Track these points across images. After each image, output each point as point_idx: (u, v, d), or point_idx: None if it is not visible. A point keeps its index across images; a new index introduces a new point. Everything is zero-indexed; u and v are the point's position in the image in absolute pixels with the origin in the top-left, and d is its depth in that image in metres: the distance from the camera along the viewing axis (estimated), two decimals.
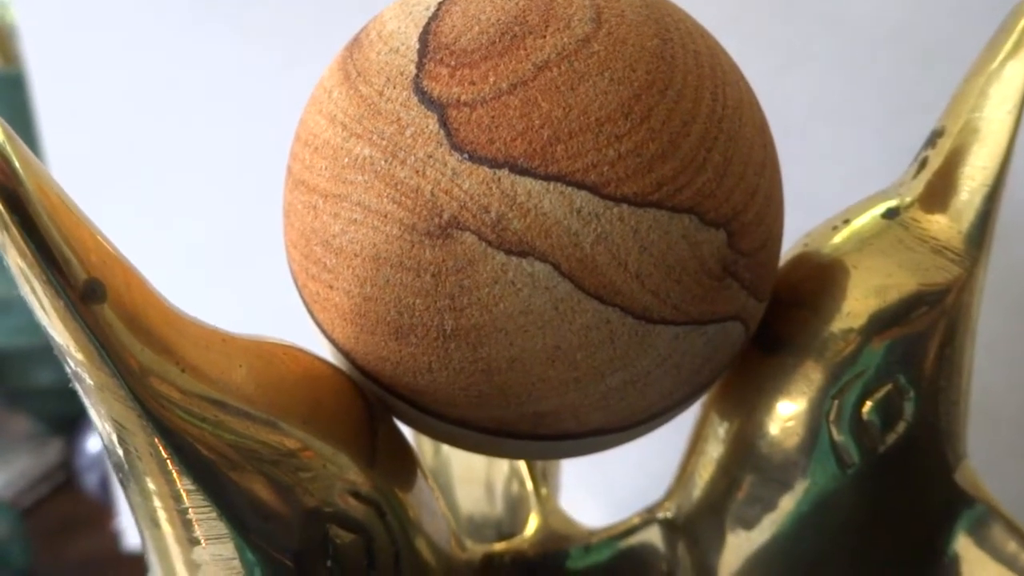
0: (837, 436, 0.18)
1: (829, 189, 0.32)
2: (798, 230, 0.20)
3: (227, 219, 0.40)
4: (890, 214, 0.19)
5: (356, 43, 0.17)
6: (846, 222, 0.19)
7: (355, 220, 0.16)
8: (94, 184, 0.41)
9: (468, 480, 0.26)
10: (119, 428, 0.14)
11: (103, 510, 0.49)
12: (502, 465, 0.25)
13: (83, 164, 0.41)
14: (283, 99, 0.23)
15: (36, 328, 0.14)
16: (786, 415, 0.19)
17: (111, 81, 0.40)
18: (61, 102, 0.41)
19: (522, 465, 0.24)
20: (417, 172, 0.15)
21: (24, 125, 0.41)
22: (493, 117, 0.15)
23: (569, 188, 0.15)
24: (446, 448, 0.26)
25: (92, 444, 0.49)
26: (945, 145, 0.18)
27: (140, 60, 0.39)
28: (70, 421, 0.52)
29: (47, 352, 0.14)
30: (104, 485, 0.49)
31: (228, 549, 0.15)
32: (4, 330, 0.49)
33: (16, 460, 0.54)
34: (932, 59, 0.32)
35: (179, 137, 0.40)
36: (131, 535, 0.46)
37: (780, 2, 0.33)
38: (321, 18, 0.37)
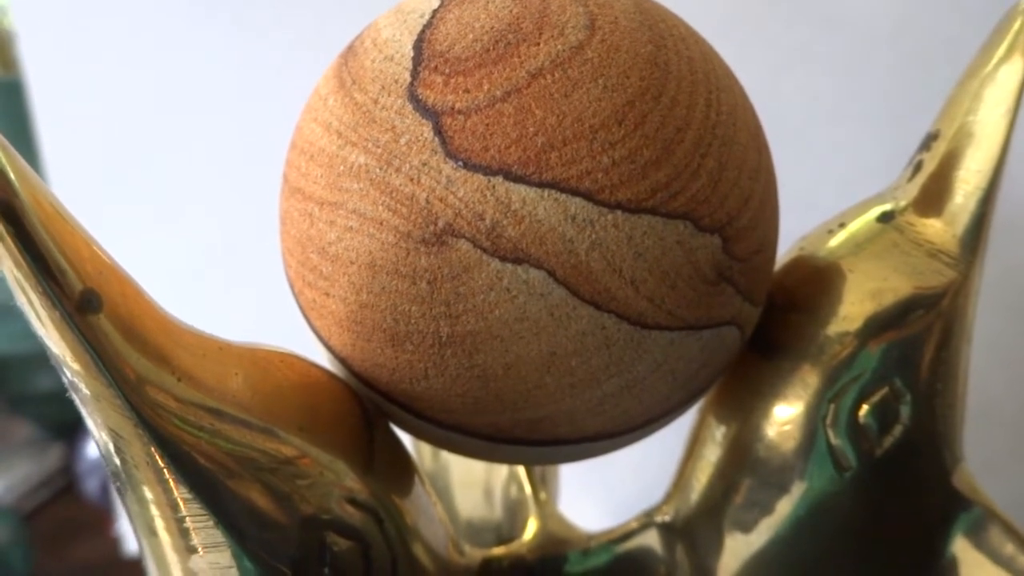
0: (834, 440, 0.18)
1: (828, 190, 0.33)
2: (798, 231, 0.20)
3: (228, 224, 0.40)
4: (885, 218, 0.19)
5: (351, 51, 0.17)
6: (842, 226, 0.19)
7: (351, 228, 0.16)
8: (93, 190, 0.41)
9: (467, 484, 0.26)
10: (116, 437, 0.14)
11: (104, 515, 0.49)
12: (501, 469, 0.25)
13: (82, 171, 0.41)
14: (285, 103, 0.23)
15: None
16: (783, 419, 0.19)
17: (110, 87, 0.40)
18: (60, 108, 0.41)
19: (521, 469, 0.24)
20: (412, 180, 0.15)
21: (23, 132, 0.41)
22: (487, 125, 0.15)
23: (563, 195, 0.15)
24: (445, 452, 0.26)
25: (93, 449, 0.49)
26: (940, 148, 0.19)
27: (139, 66, 0.39)
28: (71, 426, 0.52)
29: (48, 358, 0.14)
30: (105, 490, 0.49)
31: (225, 557, 0.15)
32: (5, 336, 0.49)
33: (17, 465, 0.54)
34: (932, 60, 0.32)
35: (178, 143, 0.40)
36: (131, 540, 0.46)
37: (779, 3, 0.33)
38: (321, 23, 0.37)
